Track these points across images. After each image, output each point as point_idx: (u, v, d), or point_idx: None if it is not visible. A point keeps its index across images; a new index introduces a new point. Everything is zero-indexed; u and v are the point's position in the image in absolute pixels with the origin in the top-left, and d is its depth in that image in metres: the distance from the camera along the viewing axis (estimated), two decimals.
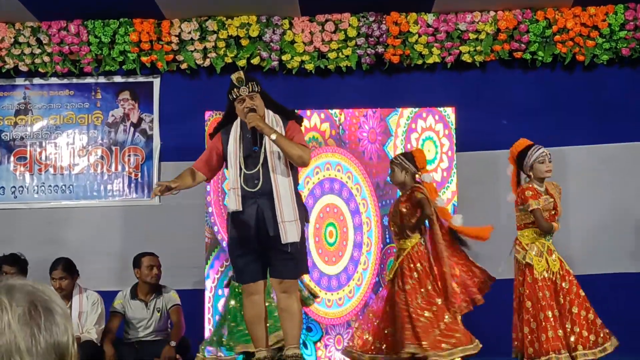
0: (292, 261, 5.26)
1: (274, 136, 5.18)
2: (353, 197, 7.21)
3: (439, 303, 6.19)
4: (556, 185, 6.22)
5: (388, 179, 6.70)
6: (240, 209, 5.24)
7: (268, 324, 5.65)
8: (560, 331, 5.92)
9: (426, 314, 6.15)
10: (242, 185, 5.25)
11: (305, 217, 5.40)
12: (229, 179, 5.34)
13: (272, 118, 5.36)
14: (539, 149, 6.11)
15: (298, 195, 5.34)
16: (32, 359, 1.48)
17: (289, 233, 5.15)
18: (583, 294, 6.02)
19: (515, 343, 6.07)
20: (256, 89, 5.32)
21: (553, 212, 6.09)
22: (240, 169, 5.29)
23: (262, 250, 5.29)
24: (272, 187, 5.18)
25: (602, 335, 5.98)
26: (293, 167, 5.33)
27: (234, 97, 5.31)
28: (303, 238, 5.39)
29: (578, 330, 5.94)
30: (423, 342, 6.04)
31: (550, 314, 5.92)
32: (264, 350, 5.46)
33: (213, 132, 5.54)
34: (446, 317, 6.17)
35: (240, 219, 5.28)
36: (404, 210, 6.35)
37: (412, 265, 6.26)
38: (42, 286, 1.58)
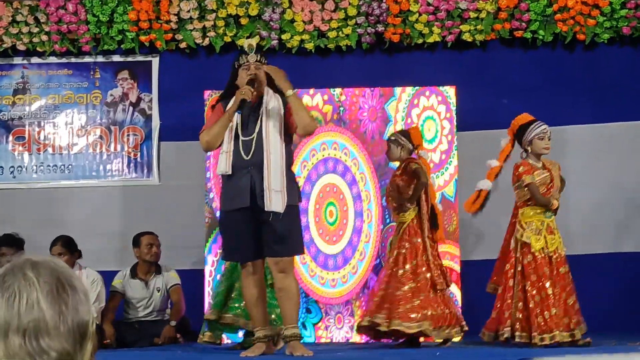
0: (286, 239, 5.25)
1: (290, 92, 5.23)
2: (353, 178, 7.19)
3: (422, 280, 6.25)
4: (554, 163, 6.20)
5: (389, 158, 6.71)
6: (230, 172, 5.23)
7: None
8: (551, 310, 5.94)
9: (406, 287, 6.22)
10: (236, 151, 5.25)
11: (298, 197, 5.41)
12: (223, 143, 5.32)
13: (271, 95, 5.37)
14: (541, 125, 6.11)
15: (290, 171, 5.34)
16: (58, 338, 1.46)
17: (273, 201, 5.13)
18: (563, 273, 5.99)
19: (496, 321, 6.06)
20: (263, 61, 5.37)
21: (550, 186, 6.08)
22: (237, 134, 5.29)
23: (256, 226, 5.26)
24: (264, 156, 5.18)
25: (574, 320, 5.95)
26: (288, 142, 5.34)
27: (241, 63, 5.34)
28: (297, 216, 5.40)
29: (555, 311, 5.93)
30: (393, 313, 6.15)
31: (551, 291, 5.92)
32: (263, 329, 5.46)
33: (215, 104, 5.53)
34: (430, 294, 6.25)
35: (235, 191, 5.25)
36: (401, 182, 6.41)
37: (406, 237, 6.32)
38: (60, 262, 1.55)
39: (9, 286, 1.48)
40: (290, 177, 5.32)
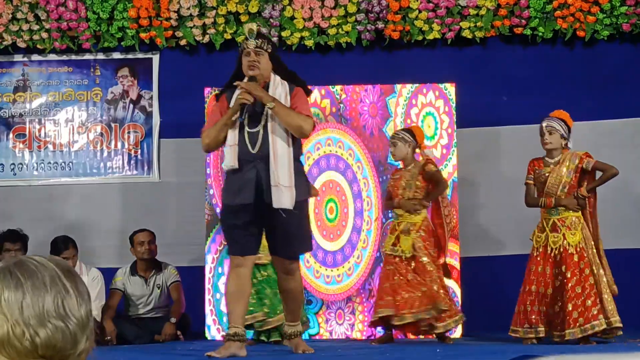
0: (293, 240, 5.09)
1: (271, 104, 4.96)
2: (354, 174, 7.20)
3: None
4: (578, 156, 6.14)
5: (389, 154, 6.74)
6: (237, 166, 5.00)
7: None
8: (542, 307, 5.96)
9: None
10: (242, 144, 5.02)
11: (308, 192, 5.20)
12: (228, 136, 5.08)
13: (278, 82, 5.12)
14: (541, 122, 6.16)
15: (298, 165, 5.13)
16: (76, 306, 1.51)
17: (282, 198, 4.89)
18: (588, 271, 6.01)
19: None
20: (265, 47, 5.08)
21: (543, 185, 6.11)
22: (242, 126, 5.05)
23: (260, 222, 5.09)
24: (270, 149, 4.96)
25: (586, 315, 5.93)
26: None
27: (242, 48, 5.11)
28: (306, 213, 5.21)
29: (570, 308, 5.90)
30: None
31: (534, 288, 5.97)
32: (238, 327, 5.10)
33: (219, 93, 5.28)
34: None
35: (239, 185, 5.02)
36: (419, 183, 6.44)
37: (429, 239, 6.44)
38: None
39: (23, 272, 1.51)
40: (299, 170, 5.08)
